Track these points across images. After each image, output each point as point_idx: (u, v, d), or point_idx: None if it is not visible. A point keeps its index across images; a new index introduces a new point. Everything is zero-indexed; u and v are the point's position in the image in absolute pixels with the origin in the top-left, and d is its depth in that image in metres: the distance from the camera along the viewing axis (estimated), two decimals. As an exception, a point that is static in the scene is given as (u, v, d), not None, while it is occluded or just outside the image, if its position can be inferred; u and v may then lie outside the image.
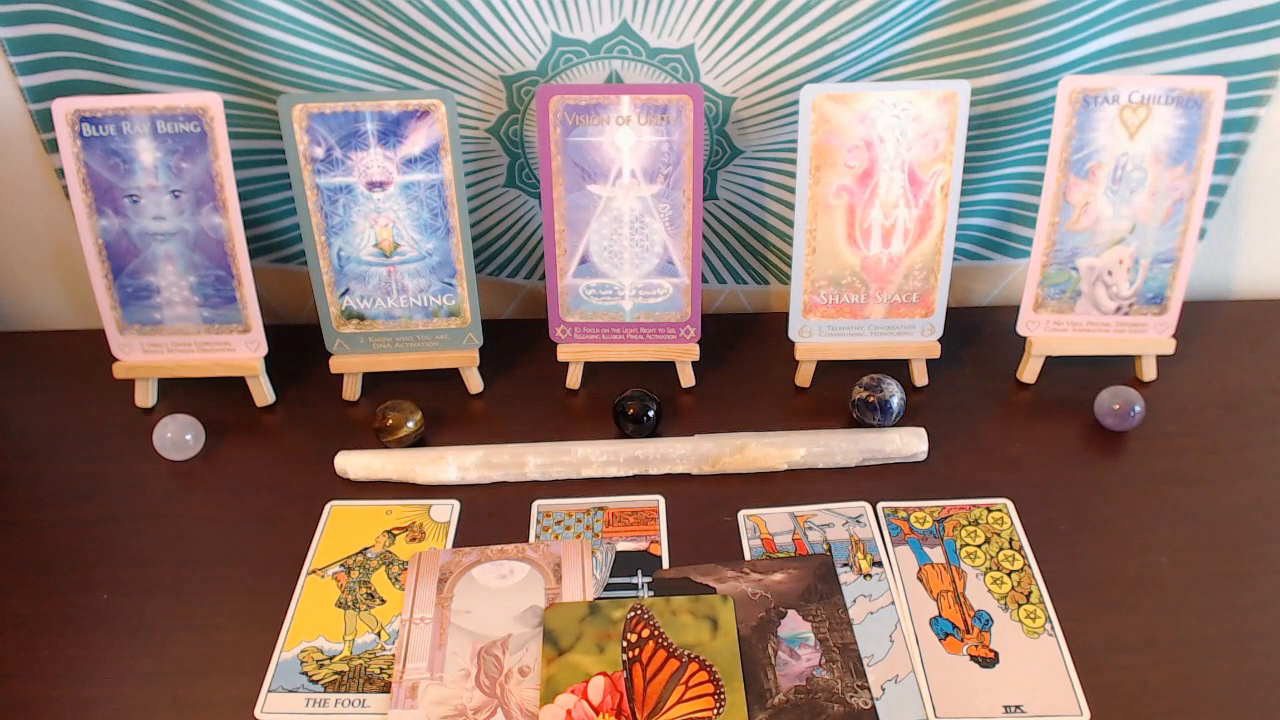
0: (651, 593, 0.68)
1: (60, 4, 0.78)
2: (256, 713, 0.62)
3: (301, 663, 0.65)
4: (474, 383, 0.88)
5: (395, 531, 0.74)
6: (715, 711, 0.60)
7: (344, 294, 0.83)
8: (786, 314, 0.85)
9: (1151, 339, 0.85)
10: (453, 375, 0.87)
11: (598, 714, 0.60)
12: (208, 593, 0.70)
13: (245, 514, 0.76)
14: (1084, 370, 0.86)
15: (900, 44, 0.81)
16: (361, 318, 0.84)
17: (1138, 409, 0.80)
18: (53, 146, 0.87)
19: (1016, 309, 0.85)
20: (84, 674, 0.65)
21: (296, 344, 0.89)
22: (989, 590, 0.68)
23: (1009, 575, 0.69)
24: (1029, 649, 0.64)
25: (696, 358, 0.86)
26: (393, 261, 0.82)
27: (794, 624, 0.66)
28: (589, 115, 0.78)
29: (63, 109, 0.77)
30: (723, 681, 0.62)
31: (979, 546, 0.71)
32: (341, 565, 0.72)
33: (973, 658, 0.64)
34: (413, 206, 0.81)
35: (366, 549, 0.73)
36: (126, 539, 0.74)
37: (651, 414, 0.81)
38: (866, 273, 0.82)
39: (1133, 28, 0.82)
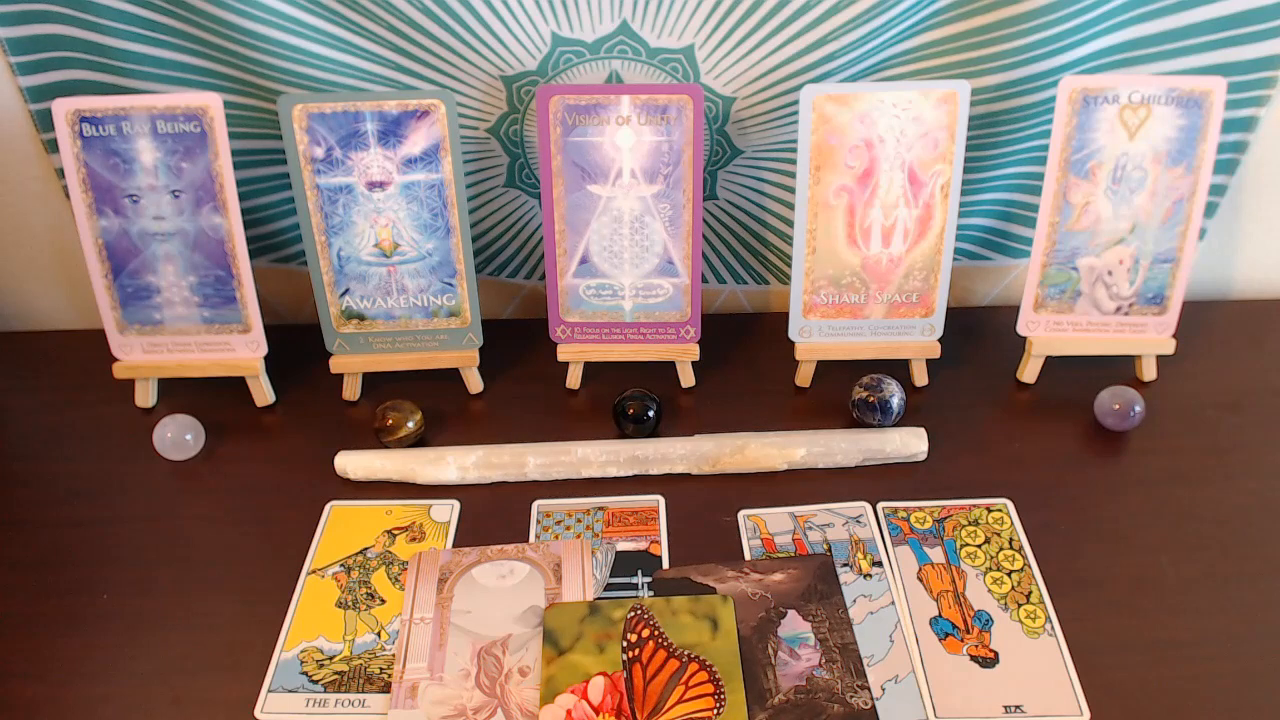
0: (651, 593, 0.68)
1: (60, 4, 0.78)
2: (256, 713, 0.62)
3: (301, 663, 0.65)
4: (474, 383, 0.88)
5: (395, 531, 0.74)
6: (715, 711, 0.60)
7: (344, 294, 0.83)
8: (786, 314, 0.85)
9: (1151, 339, 0.85)
10: (453, 375, 0.87)
11: (598, 714, 0.60)
12: (208, 593, 0.70)
13: (245, 514, 0.76)
14: (1084, 370, 0.87)
15: (900, 44, 0.81)
16: (361, 318, 0.84)
17: (1138, 409, 0.80)
18: (53, 146, 0.87)
19: (1016, 309, 0.85)
20: (84, 674, 0.65)
21: (296, 344, 0.89)
22: (989, 590, 0.68)
23: (1009, 575, 0.69)
24: (1029, 649, 0.64)
25: (696, 358, 0.86)
26: (393, 261, 0.82)
27: (794, 624, 0.66)
28: (589, 115, 0.78)
29: (63, 109, 0.77)
30: (723, 681, 0.62)
31: (979, 546, 0.71)
32: (341, 565, 0.72)
33: (973, 658, 0.64)
34: (413, 206, 0.81)
35: (366, 549, 0.73)
36: (126, 539, 0.74)
37: (651, 414, 0.81)
38: (866, 273, 0.82)
39: (1133, 28, 0.82)
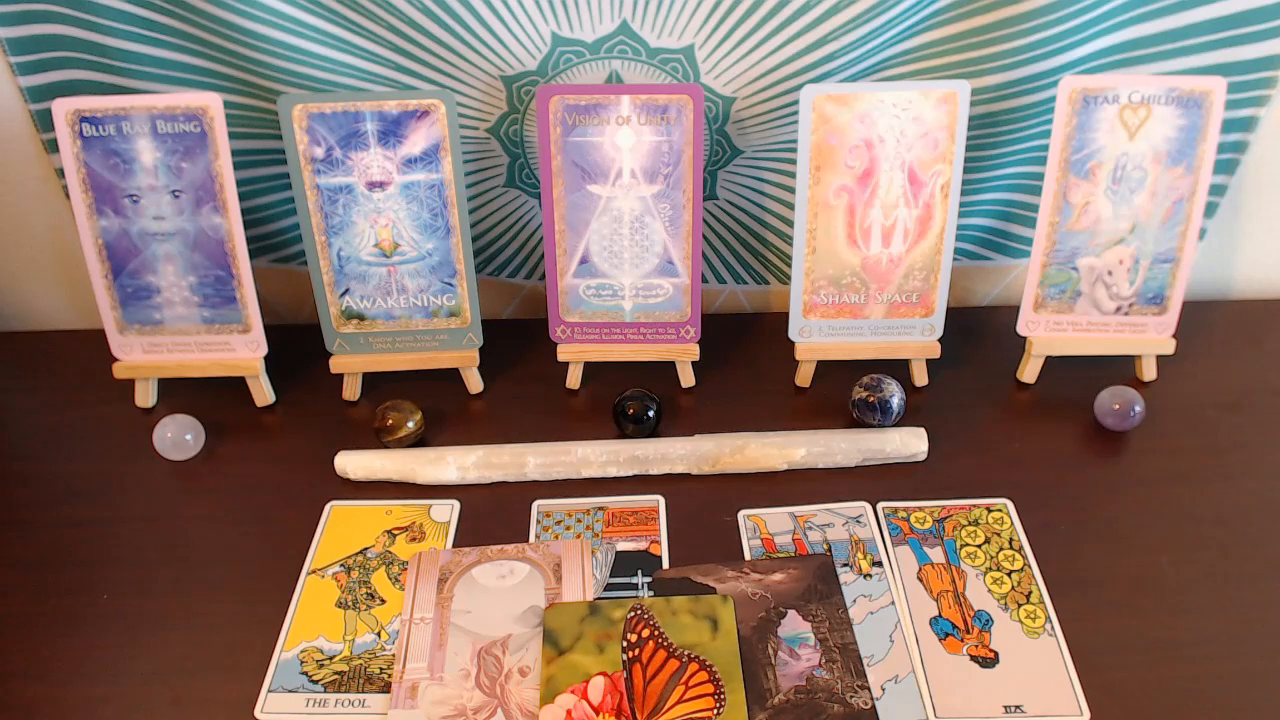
0: (651, 593, 0.68)
1: (60, 4, 0.78)
2: (256, 713, 0.62)
3: (301, 663, 0.65)
4: (474, 383, 0.88)
5: (395, 531, 0.74)
6: (715, 711, 0.60)
7: (344, 294, 0.83)
8: (786, 314, 0.85)
9: (1151, 339, 0.85)
10: (453, 375, 0.87)
11: (598, 714, 0.60)
12: (208, 593, 0.70)
13: (245, 514, 0.76)
14: (1084, 370, 0.87)
15: (900, 44, 0.81)
16: (361, 318, 0.84)
17: (1138, 409, 0.80)
18: (53, 146, 0.87)
19: (1016, 309, 0.85)
20: (84, 674, 0.65)
21: (296, 344, 0.89)
22: (989, 590, 0.68)
23: (1009, 575, 0.69)
24: (1029, 649, 0.64)
25: (696, 358, 0.86)
26: (393, 261, 0.82)
27: (794, 624, 0.66)
28: (589, 115, 0.78)
29: (63, 109, 0.77)
30: (723, 681, 0.62)
31: (979, 546, 0.71)
32: (341, 565, 0.72)
33: (973, 658, 0.64)
34: (413, 206, 0.81)
35: (366, 549, 0.73)
36: (126, 539, 0.74)
37: (651, 414, 0.81)
38: (866, 273, 0.82)
39: (1133, 28, 0.82)
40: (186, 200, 0.79)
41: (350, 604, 0.69)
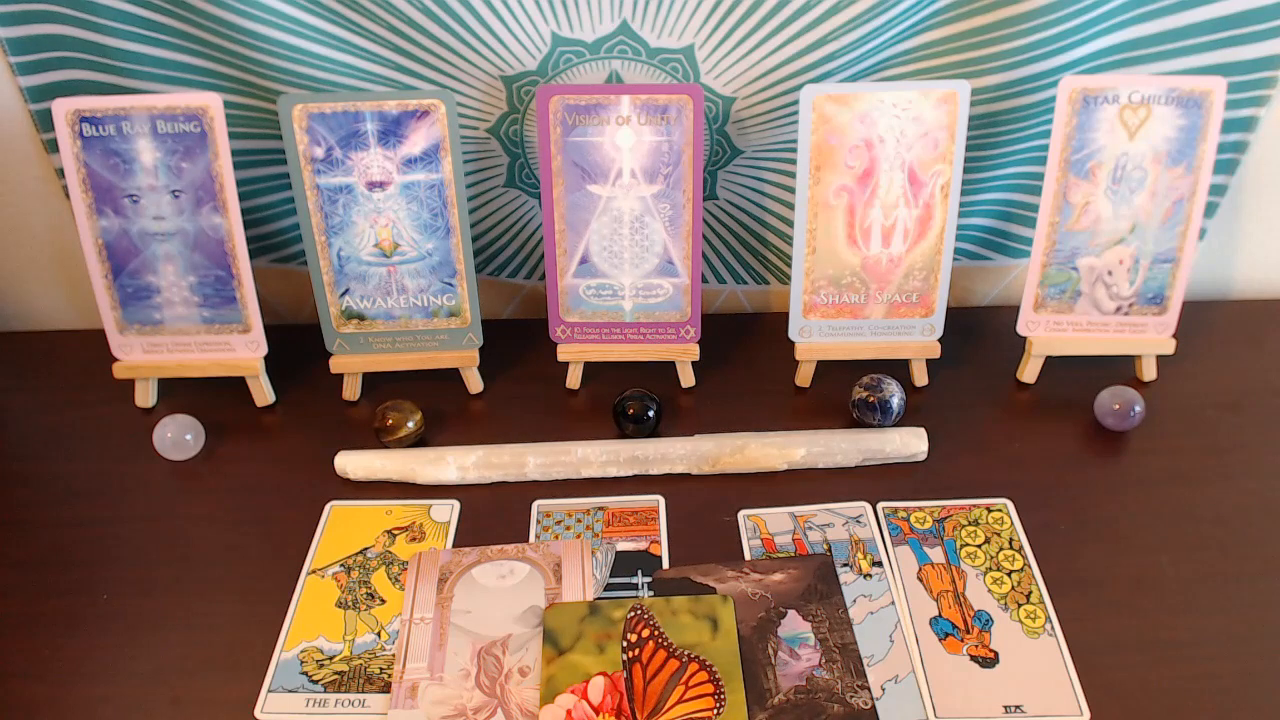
0: (651, 593, 0.68)
1: (60, 4, 0.78)
2: (256, 713, 0.62)
3: (301, 663, 0.65)
4: (474, 383, 0.88)
5: (395, 531, 0.74)
6: (715, 711, 0.60)
7: (344, 294, 0.83)
8: (786, 314, 0.85)
9: (1151, 339, 0.85)
10: (453, 375, 0.87)
11: (598, 714, 0.60)
12: (208, 593, 0.70)
13: (245, 514, 0.76)
14: (1084, 370, 0.87)
15: (900, 44, 0.81)
16: (361, 318, 0.84)
17: (1138, 409, 0.80)
18: (53, 146, 0.87)
19: (1016, 309, 0.85)
20: (84, 674, 0.65)
21: (296, 344, 0.89)
22: (989, 590, 0.68)
23: (1009, 575, 0.69)
24: (1029, 649, 0.64)
25: (696, 358, 0.86)
26: (393, 261, 0.82)
27: (794, 624, 0.66)
28: (589, 115, 0.78)
29: (63, 109, 0.77)
30: (723, 681, 0.62)
31: (979, 546, 0.71)
32: (341, 565, 0.72)
33: (973, 658, 0.64)
34: (413, 206, 0.81)
35: (366, 549, 0.73)
36: (126, 539, 0.74)
37: (651, 414, 0.81)
38: (866, 273, 0.82)
39: (1133, 28, 0.82)
40: (186, 200, 0.79)
41: (350, 604, 0.69)
